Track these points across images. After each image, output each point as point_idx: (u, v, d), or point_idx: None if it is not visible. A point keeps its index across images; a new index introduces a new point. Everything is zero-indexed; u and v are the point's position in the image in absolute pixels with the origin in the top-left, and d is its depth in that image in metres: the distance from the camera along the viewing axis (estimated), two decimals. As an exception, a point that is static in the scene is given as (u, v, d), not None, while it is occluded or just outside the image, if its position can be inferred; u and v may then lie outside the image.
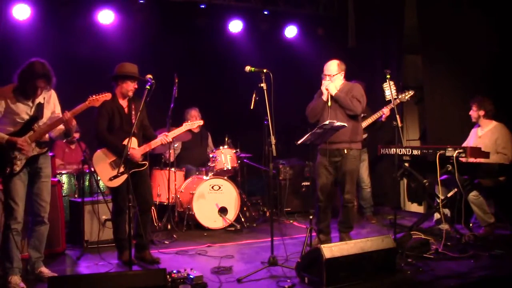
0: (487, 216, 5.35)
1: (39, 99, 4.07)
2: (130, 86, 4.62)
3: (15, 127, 3.96)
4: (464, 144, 5.79)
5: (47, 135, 4.14)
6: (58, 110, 4.26)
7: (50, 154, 5.13)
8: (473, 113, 5.70)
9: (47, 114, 4.14)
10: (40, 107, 4.07)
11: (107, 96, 4.26)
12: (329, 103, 4.97)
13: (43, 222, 4.19)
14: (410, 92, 6.02)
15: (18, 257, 4.03)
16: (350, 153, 5.00)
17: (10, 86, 3.99)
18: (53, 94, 4.22)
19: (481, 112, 5.64)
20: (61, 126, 4.16)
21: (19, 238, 4.02)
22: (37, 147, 4.05)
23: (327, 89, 5.00)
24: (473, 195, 5.31)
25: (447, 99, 6.76)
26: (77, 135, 6.42)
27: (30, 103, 4.02)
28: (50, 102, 4.18)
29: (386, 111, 6.14)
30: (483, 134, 5.68)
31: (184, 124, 5.13)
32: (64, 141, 6.30)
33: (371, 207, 6.70)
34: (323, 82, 5.05)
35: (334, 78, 5.04)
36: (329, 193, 5.13)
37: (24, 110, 3.99)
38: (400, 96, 6.00)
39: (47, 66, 3.97)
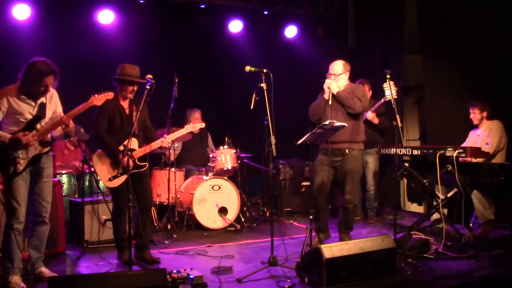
0: (487, 213, 5.36)
1: (42, 99, 4.07)
2: (128, 89, 4.61)
3: (18, 127, 3.96)
4: (463, 145, 5.81)
5: (49, 135, 4.15)
6: (59, 109, 4.26)
7: (51, 154, 5.13)
8: (477, 115, 5.74)
9: (49, 114, 4.14)
10: (42, 107, 4.07)
11: (110, 95, 4.29)
12: (330, 102, 4.98)
13: (44, 222, 4.19)
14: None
15: (19, 257, 4.03)
16: (351, 153, 5.00)
17: (12, 86, 3.98)
18: (54, 93, 4.22)
19: (484, 114, 5.73)
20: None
21: (20, 238, 4.02)
22: (40, 146, 4.04)
23: (328, 88, 5.01)
24: (475, 190, 5.32)
25: (447, 99, 6.77)
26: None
27: (33, 103, 4.02)
28: (52, 102, 4.18)
29: (369, 115, 6.19)
30: (481, 132, 5.77)
31: (185, 126, 5.14)
32: (66, 140, 6.30)
33: (373, 209, 6.71)
34: (325, 80, 5.06)
35: (339, 77, 5.05)
36: (327, 192, 5.13)
37: (27, 110, 3.99)
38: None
39: (49, 62, 3.97)
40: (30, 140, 3.92)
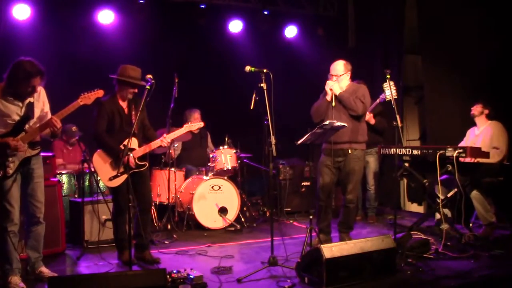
0: (489, 215, 5.35)
1: (29, 98, 3.96)
2: (129, 91, 4.60)
3: (6, 129, 3.87)
4: (461, 144, 5.80)
5: (38, 136, 4.05)
6: (47, 108, 4.15)
7: (51, 154, 5.12)
8: (479, 108, 5.72)
9: (37, 112, 4.04)
10: (30, 107, 3.96)
11: (99, 93, 4.17)
12: (333, 103, 4.97)
13: (39, 222, 4.16)
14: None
15: (17, 258, 4.01)
16: (354, 153, 5.00)
17: None
18: (42, 91, 4.09)
19: (486, 111, 5.72)
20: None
21: (16, 240, 3.99)
22: (30, 148, 3.96)
23: (331, 89, 5.00)
24: (475, 192, 5.32)
25: (447, 99, 6.77)
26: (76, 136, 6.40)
27: (20, 103, 3.92)
28: (40, 100, 4.07)
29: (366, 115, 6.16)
30: (480, 133, 5.75)
31: (184, 125, 5.13)
32: (58, 140, 6.26)
33: (373, 209, 6.71)
34: (327, 82, 5.05)
35: (340, 78, 5.04)
36: (330, 193, 5.13)
37: (14, 111, 3.89)
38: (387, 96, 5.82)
39: (36, 63, 3.85)
40: (20, 148, 3.83)
